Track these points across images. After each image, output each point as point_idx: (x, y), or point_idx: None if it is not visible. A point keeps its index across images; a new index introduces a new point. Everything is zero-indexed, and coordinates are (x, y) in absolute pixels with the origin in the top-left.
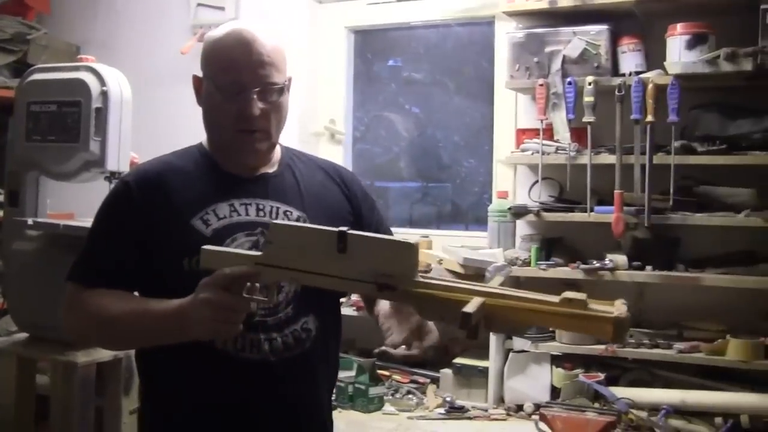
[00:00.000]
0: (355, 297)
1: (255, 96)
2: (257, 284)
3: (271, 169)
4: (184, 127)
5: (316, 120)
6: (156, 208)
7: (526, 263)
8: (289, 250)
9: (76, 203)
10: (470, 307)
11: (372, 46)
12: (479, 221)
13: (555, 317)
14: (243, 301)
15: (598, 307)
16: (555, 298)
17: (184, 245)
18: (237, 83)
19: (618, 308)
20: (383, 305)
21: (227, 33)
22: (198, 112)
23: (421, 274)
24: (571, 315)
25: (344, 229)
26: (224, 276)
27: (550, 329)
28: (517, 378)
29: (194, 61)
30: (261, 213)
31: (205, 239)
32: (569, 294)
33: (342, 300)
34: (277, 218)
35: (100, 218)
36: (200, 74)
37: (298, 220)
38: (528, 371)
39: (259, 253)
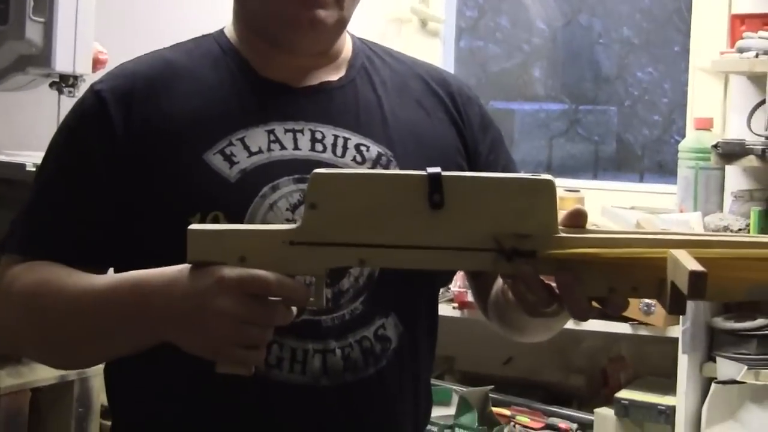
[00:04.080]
0: (456, 288)
1: None
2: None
3: (336, 75)
4: (188, 6)
5: None
6: (147, 136)
7: None
8: (347, 213)
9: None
10: (690, 261)
11: None
12: (663, 168)
13: None
14: (279, 314)
15: None
16: None
17: (193, 194)
18: None
19: None
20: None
21: None
22: None
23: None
24: None
25: (437, 170)
26: (254, 279)
27: None
28: (725, 425)
29: None
30: (319, 146)
31: (227, 185)
32: None
33: (440, 290)
34: (344, 155)
35: (54, 152)
36: None
37: (378, 161)
38: (742, 414)
39: (293, 226)
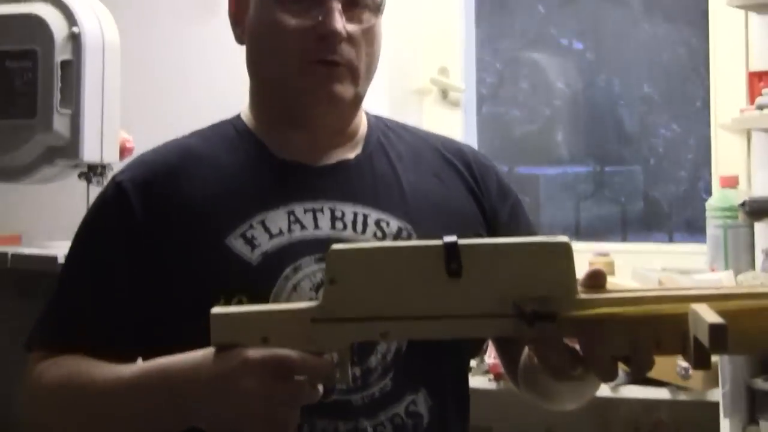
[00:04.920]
0: (491, 359)
1: (338, 5)
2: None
3: (353, 153)
4: (209, 93)
5: (418, 69)
6: (168, 223)
7: None
8: (367, 287)
9: (28, 219)
10: (711, 315)
11: None
12: (691, 226)
13: None
14: (305, 392)
15: None
16: None
17: (217, 279)
18: None
19: None
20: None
21: None
22: (235, 64)
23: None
24: None
25: (453, 239)
26: (278, 359)
27: None
28: None
29: None
30: (339, 224)
31: (250, 269)
32: None
33: (472, 363)
34: (364, 232)
35: (77, 245)
36: None
37: (398, 235)
38: None
39: (314, 304)
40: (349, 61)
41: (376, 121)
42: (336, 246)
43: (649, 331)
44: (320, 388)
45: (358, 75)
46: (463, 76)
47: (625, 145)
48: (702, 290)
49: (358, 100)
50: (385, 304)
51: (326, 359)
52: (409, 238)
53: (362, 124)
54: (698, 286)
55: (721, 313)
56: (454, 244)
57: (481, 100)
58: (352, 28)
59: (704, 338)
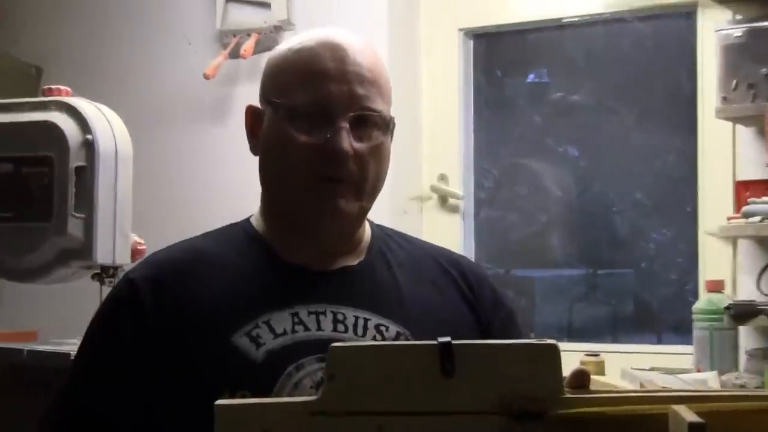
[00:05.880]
0: None
1: (347, 125)
2: None
3: (356, 260)
4: (219, 197)
5: (418, 177)
6: (177, 321)
7: None
8: (364, 383)
9: (44, 317)
10: (690, 415)
11: (502, 57)
12: (680, 328)
13: None
14: None
15: None
16: None
17: (223, 376)
18: (321, 104)
19: None
20: None
21: (308, 38)
22: (242, 169)
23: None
24: None
25: (447, 339)
26: None
27: None
28: None
29: (227, 88)
30: (341, 327)
31: (254, 366)
32: None
33: None
34: (364, 335)
35: (90, 339)
36: (257, 104)
37: (396, 339)
38: None
39: (315, 398)
40: (354, 177)
41: (378, 230)
42: (336, 344)
43: (632, 431)
44: None
45: (363, 190)
46: (461, 183)
47: (617, 249)
48: (684, 391)
49: (362, 214)
50: (382, 400)
51: None
52: (406, 341)
53: (365, 233)
54: (681, 387)
55: (701, 414)
56: (448, 344)
57: (479, 205)
58: (359, 146)
59: None
